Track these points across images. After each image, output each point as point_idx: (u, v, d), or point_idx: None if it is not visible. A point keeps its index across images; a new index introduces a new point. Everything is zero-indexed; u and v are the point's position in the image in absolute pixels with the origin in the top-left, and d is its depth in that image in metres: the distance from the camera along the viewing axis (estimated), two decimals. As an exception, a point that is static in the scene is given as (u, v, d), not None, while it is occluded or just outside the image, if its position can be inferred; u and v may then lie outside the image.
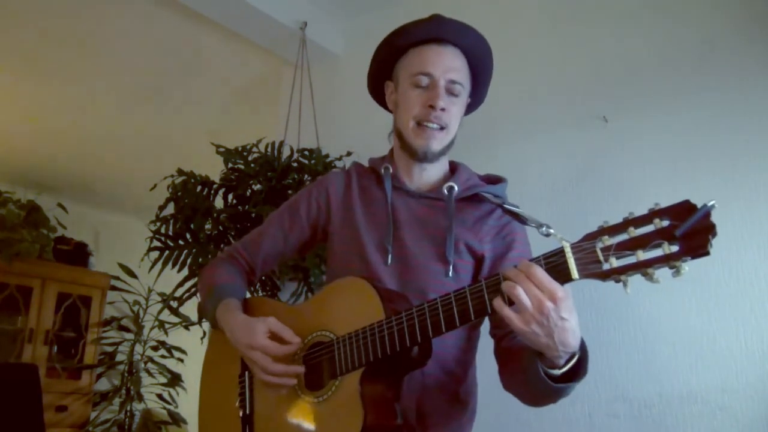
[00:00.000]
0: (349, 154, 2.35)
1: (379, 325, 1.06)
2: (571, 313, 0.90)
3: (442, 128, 1.23)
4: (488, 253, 1.21)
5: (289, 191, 2.18)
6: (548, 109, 2.12)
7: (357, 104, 2.81)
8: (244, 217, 2.19)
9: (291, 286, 2.20)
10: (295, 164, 2.27)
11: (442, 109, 1.22)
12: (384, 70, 1.33)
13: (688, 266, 0.77)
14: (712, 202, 0.79)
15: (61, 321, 4.67)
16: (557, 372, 0.95)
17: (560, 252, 0.89)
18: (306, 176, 2.23)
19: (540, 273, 0.89)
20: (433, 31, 1.27)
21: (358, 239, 1.25)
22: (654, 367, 1.71)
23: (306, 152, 2.33)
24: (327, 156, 2.35)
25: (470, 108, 1.35)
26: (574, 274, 0.87)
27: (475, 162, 2.21)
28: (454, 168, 1.32)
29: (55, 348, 4.64)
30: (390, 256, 1.21)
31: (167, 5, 2.72)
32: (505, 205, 1.20)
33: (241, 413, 1.23)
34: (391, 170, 1.29)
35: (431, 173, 1.29)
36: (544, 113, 2.12)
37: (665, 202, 0.80)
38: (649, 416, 1.69)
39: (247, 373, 1.25)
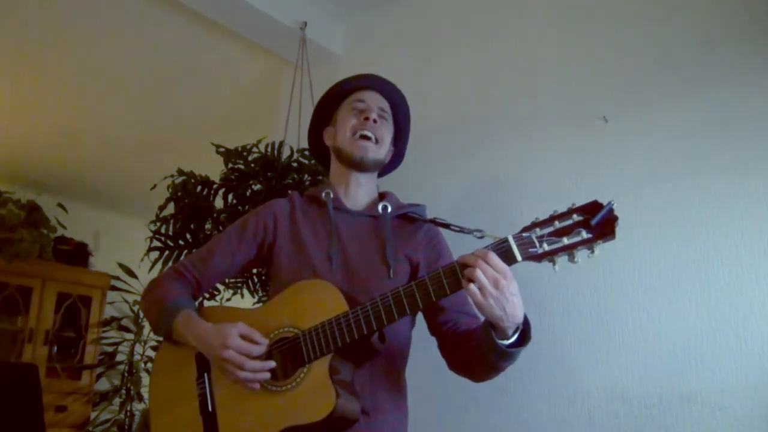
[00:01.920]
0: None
1: (345, 315, 1.22)
2: (517, 290, 1.13)
3: (376, 141, 1.47)
4: (422, 260, 1.43)
5: (289, 191, 2.17)
6: (548, 109, 2.12)
7: (357, 104, 2.81)
8: (244, 217, 2.18)
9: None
10: (295, 164, 2.27)
11: (375, 121, 1.47)
12: (325, 116, 1.59)
13: (599, 249, 1.06)
14: (613, 201, 1.05)
15: (61, 321, 4.67)
16: (506, 342, 1.17)
17: (505, 241, 1.13)
18: (306, 176, 2.23)
19: (494, 257, 1.11)
20: (366, 81, 1.56)
21: (305, 252, 1.41)
22: (654, 367, 1.71)
23: (306, 152, 2.32)
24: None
25: (392, 163, 1.62)
26: (518, 256, 1.12)
27: (476, 162, 2.23)
28: (383, 195, 1.54)
29: (55, 348, 4.64)
30: (333, 264, 1.38)
31: (167, 5, 2.72)
32: (437, 219, 1.47)
33: (201, 413, 1.31)
34: (331, 195, 1.48)
35: (366, 191, 1.51)
36: (544, 113, 2.12)
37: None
38: (649, 416, 1.69)
39: (206, 374, 1.35)
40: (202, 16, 2.64)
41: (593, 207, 1.06)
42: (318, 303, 1.27)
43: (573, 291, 1.89)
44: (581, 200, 1.10)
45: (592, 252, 1.06)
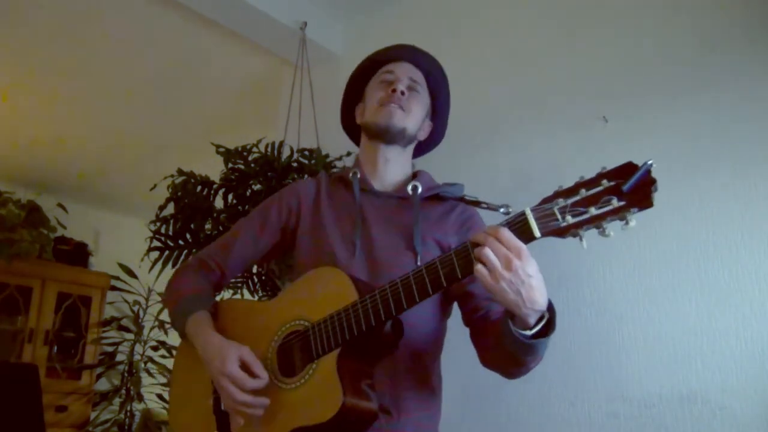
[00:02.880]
0: (349, 154, 2.34)
1: (353, 304, 1.11)
2: (536, 272, 0.99)
3: (403, 110, 1.35)
4: (454, 244, 1.26)
5: (285, 188, 2.17)
6: (548, 109, 2.12)
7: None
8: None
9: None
10: (295, 164, 2.27)
11: (402, 93, 1.36)
12: (356, 93, 1.48)
13: (635, 220, 0.89)
14: (650, 161, 0.89)
15: (61, 321, 4.67)
16: (529, 332, 1.03)
17: (521, 215, 0.98)
18: (306, 176, 2.23)
19: (506, 233, 0.98)
20: (396, 52, 1.45)
21: (326, 238, 1.32)
22: (654, 367, 1.71)
23: (306, 152, 2.33)
24: (327, 156, 2.35)
25: (431, 141, 1.50)
26: (536, 232, 0.96)
27: (476, 162, 2.22)
28: (415, 174, 1.43)
29: (55, 348, 4.64)
30: (357, 250, 1.28)
31: (167, 5, 2.72)
32: (466, 197, 1.34)
33: (214, 412, 1.26)
34: (359, 175, 1.38)
35: (396, 168, 1.39)
36: (544, 113, 2.12)
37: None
38: (649, 416, 1.69)
39: None
40: (202, 16, 2.64)
41: (626, 169, 0.91)
42: (328, 293, 1.17)
43: (573, 291, 1.89)
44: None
45: (626, 223, 0.89)
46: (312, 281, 1.22)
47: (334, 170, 1.48)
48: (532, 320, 1.02)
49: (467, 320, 1.30)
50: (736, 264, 1.66)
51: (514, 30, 2.29)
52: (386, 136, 1.36)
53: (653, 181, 0.88)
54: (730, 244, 1.67)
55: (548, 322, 1.04)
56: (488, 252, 0.97)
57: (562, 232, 0.94)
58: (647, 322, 1.75)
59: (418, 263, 1.22)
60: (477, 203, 1.31)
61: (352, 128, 1.52)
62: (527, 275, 0.97)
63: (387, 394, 1.19)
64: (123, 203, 5.24)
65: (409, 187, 1.34)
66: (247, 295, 2.30)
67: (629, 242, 1.81)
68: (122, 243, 5.03)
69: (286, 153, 2.34)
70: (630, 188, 0.89)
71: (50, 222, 4.60)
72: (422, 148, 1.50)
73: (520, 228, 0.98)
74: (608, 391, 1.77)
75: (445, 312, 1.34)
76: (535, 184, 2.05)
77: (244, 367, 1.17)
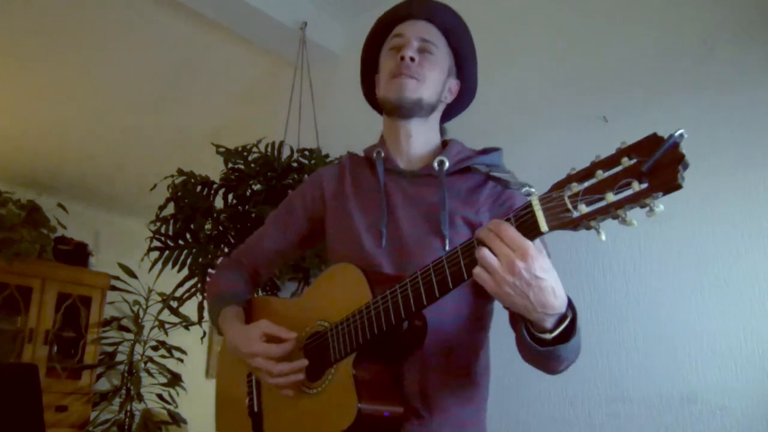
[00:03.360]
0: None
1: (366, 306, 1.05)
2: (546, 272, 0.87)
3: (415, 79, 1.21)
4: (486, 224, 1.18)
5: (289, 191, 2.18)
6: (548, 109, 2.12)
7: (357, 104, 2.81)
8: (244, 217, 2.19)
9: (291, 286, 2.20)
10: (295, 164, 2.27)
11: (411, 59, 1.21)
12: (372, 63, 1.35)
13: (662, 204, 0.73)
14: (680, 131, 0.73)
15: (61, 321, 4.67)
16: (548, 336, 0.92)
17: (528, 206, 0.85)
18: (306, 176, 2.23)
19: (509, 230, 0.86)
20: (405, 9, 1.30)
21: (352, 227, 1.23)
22: (654, 367, 1.71)
23: (306, 152, 2.33)
24: (327, 156, 2.35)
25: (466, 96, 1.35)
26: (543, 226, 0.83)
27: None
28: (445, 144, 1.30)
29: (55, 348, 4.64)
30: (384, 239, 1.18)
31: (167, 5, 2.72)
32: (492, 173, 1.18)
33: (249, 414, 1.25)
34: (382, 153, 1.27)
35: (420, 142, 1.26)
36: (544, 113, 2.12)
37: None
38: (649, 416, 1.69)
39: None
40: (203, 16, 2.64)
41: (650, 143, 0.75)
42: (344, 292, 1.11)
43: (573, 291, 1.88)
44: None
45: (651, 210, 0.74)
46: (330, 279, 1.17)
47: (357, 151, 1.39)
48: (548, 324, 0.91)
49: (509, 316, 1.16)
50: (736, 264, 1.66)
51: (514, 30, 2.29)
52: (401, 110, 1.23)
53: (681, 158, 0.71)
54: (730, 244, 1.67)
55: (570, 324, 0.92)
56: (486, 254, 0.87)
57: (574, 225, 0.80)
58: (647, 322, 1.75)
59: (447, 248, 1.12)
60: (500, 181, 1.17)
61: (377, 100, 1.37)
62: (534, 277, 0.86)
63: (417, 394, 1.10)
64: (123, 203, 5.24)
65: (435, 162, 1.21)
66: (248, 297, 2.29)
67: (629, 242, 1.82)
68: (122, 243, 5.03)
69: (286, 153, 2.34)
70: (651, 167, 0.73)
71: (50, 222, 4.60)
72: (453, 110, 1.36)
73: (525, 221, 0.85)
74: (608, 391, 1.77)
75: (483, 291, 1.09)
76: (534, 185, 2.04)
77: (270, 339, 1.14)
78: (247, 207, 2.19)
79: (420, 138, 1.27)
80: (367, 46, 1.36)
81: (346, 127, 2.69)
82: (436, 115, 1.30)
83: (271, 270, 1.45)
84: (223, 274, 1.40)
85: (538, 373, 1.91)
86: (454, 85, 1.31)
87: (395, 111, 1.24)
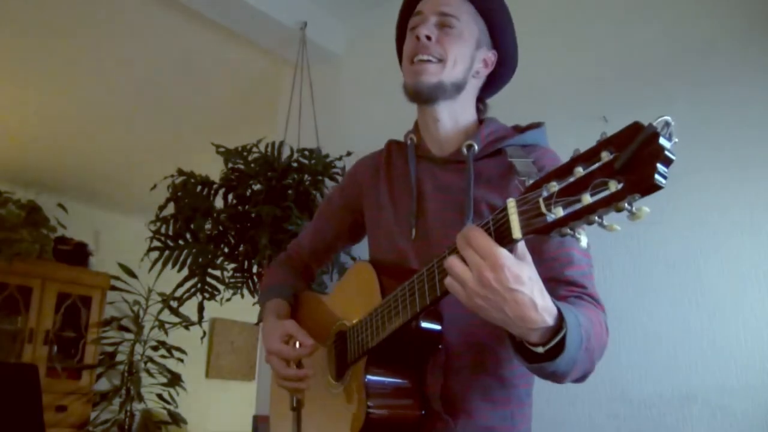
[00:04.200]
0: (349, 154, 2.35)
1: (375, 310, 1.02)
2: (523, 283, 0.77)
3: (436, 60, 1.12)
4: None
5: (289, 191, 2.18)
6: (548, 109, 2.11)
7: (357, 104, 2.81)
8: (244, 217, 2.19)
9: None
10: (295, 164, 2.27)
11: (428, 38, 1.12)
12: (402, 45, 1.25)
13: (646, 207, 0.61)
14: (662, 118, 0.61)
15: (61, 321, 4.67)
16: (540, 350, 0.83)
17: (503, 209, 0.75)
18: (306, 176, 2.23)
19: (479, 238, 0.76)
20: None
21: (385, 219, 1.20)
22: (654, 367, 1.71)
23: (306, 152, 2.33)
24: (327, 156, 2.36)
25: (506, 66, 1.25)
26: (516, 232, 0.73)
27: (475, 162, 2.22)
28: (481, 125, 1.19)
29: (55, 348, 4.64)
30: (414, 231, 1.12)
31: (167, 5, 2.72)
32: (512, 158, 1.03)
33: (291, 408, 1.25)
34: (414, 140, 1.21)
35: (448, 127, 1.17)
36: (544, 113, 2.12)
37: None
38: (649, 416, 1.69)
39: None
40: (202, 16, 2.64)
41: (630, 134, 0.63)
42: (360, 292, 1.08)
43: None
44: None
45: (632, 214, 0.62)
46: (351, 277, 1.15)
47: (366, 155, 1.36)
48: (533, 338, 0.82)
49: None
50: (736, 264, 1.66)
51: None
52: (421, 96, 1.14)
53: (659, 152, 0.60)
54: (730, 244, 1.67)
55: (562, 339, 0.82)
56: (454, 263, 0.78)
57: (547, 230, 0.70)
58: (647, 322, 1.75)
59: None
60: (515, 170, 1.01)
61: None
62: (508, 289, 0.76)
63: (438, 396, 1.03)
64: (123, 203, 5.24)
65: (464, 146, 1.13)
66: (247, 295, 2.30)
67: (629, 242, 1.81)
68: (122, 243, 5.03)
69: (286, 153, 2.34)
70: (624, 164, 0.62)
71: (50, 222, 4.61)
72: (495, 82, 1.26)
73: (500, 228, 0.76)
74: (608, 391, 1.77)
75: None
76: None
77: (290, 340, 1.14)
78: (247, 207, 2.19)
79: (449, 121, 1.17)
80: (398, 28, 1.28)
81: (346, 127, 2.69)
82: (469, 93, 1.19)
83: (321, 262, 1.44)
84: (273, 268, 1.42)
85: (538, 373, 1.90)
86: (489, 56, 1.21)
87: (416, 97, 1.16)
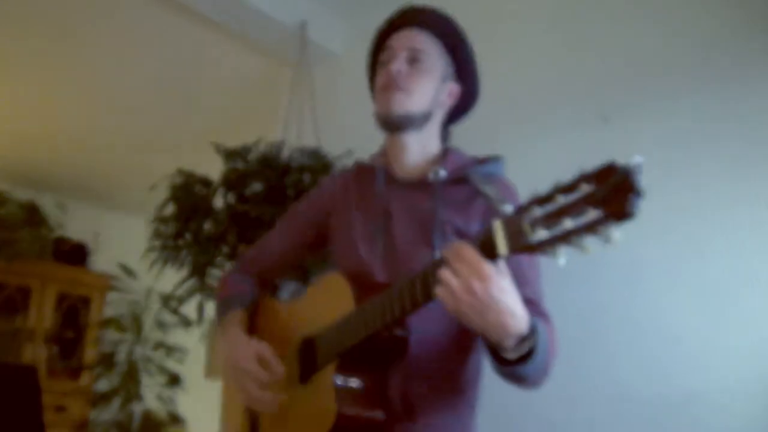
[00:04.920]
0: (349, 153, 2.35)
1: (348, 317, 1.08)
2: (504, 294, 0.88)
3: (406, 93, 1.21)
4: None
5: (289, 191, 2.18)
6: (548, 109, 2.12)
7: (357, 104, 2.80)
8: (244, 217, 2.19)
9: (290, 286, 2.21)
10: (294, 164, 2.27)
11: (398, 71, 1.21)
12: (374, 77, 1.35)
13: (618, 232, 0.72)
14: (636, 160, 0.71)
15: (61, 321, 4.67)
16: (512, 355, 0.94)
17: (491, 228, 0.86)
18: (306, 176, 2.23)
19: (468, 252, 0.87)
20: (397, 19, 1.31)
21: (351, 234, 1.27)
22: (654, 367, 1.71)
23: (306, 152, 2.33)
24: (327, 156, 2.35)
25: (468, 98, 1.35)
26: (502, 249, 0.84)
27: (475, 162, 2.22)
28: (446, 154, 1.29)
29: (55, 348, 4.64)
30: (380, 247, 1.21)
31: (167, 5, 2.72)
32: (481, 186, 1.12)
33: (246, 408, 1.30)
34: (383, 164, 1.30)
35: (414, 154, 1.26)
36: (544, 113, 2.12)
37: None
38: (649, 416, 1.69)
39: None
40: (203, 16, 2.64)
41: (605, 172, 0.73)
42: (331, 301, 1.15)
43: (573, 291, 1.88)
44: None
45: (608, 239, 0.73)
46: (321, 287, 1.22)
47: (363, 159, 1.40)
48: (508, 344, 0.93)
49: None
50: (736, 264, 1.66)
51: (515, 30, 2.29)
52: (392, 126, 1.23)
53: (631, 187, 0.70)
54: (730, 244, 1.67)
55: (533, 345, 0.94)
56: (447, 274, 0.88)
57: (532, 249, 0.80)
58: (647, 322, 1.75)
59: (436, 257, 1.14)
60: (486, 196, 1.12)
61: None
62: (491, 299, 0.87)
63: (399, 399, 1.12)
64: (123, 203, 5.24)
65: (431, 172, 1.22)
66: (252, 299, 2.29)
67: (629, 242, 1.81)
68: (122, 243, 5.03)
69: (286, 153, 2.34)
70: (604, 195, 0.72)
71: (50, 222, 4.60)
72: (459, 111, 1.36)
73: (486, 243, 0.86)
74: (608, 391, 1.77)
75: None
76: (534, 185, 2.04)
77: (261, 362, 1.18)
78: (246, 207, 2.19)
79: (415, 149, 1.27)
80: (369, 63, 1.38)
81: (346, 127, 2.69)
82: (434, 123, 1.29)
83: (278, 273, 1.49)
84: (231, 277, 1.44)
85: (538, 373, 1.90)
86: (454, 88, 1.30)
87: (386, 126, 1.25)
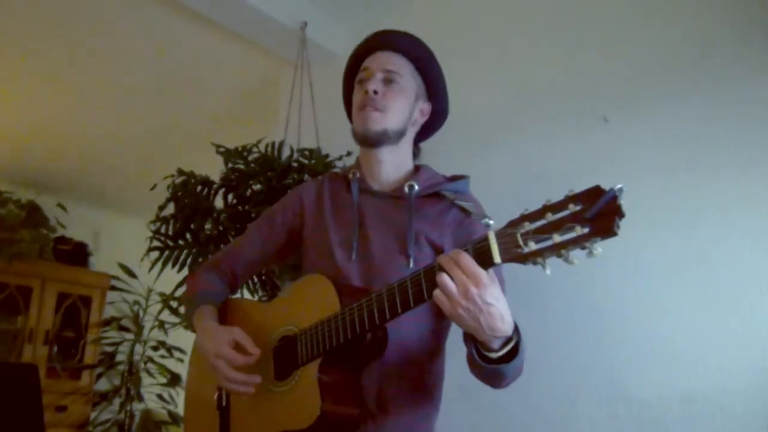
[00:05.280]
0: (349, 154, 2.34)
1: (335, 316, 1.14)
2: (496, 299, 0.98)
3: (382, 111, 1.31)
4: (449, 244, 1.27)
5: (289, 191, 2.18)
6: (548, 109, 2.12)
7: (357, 104, 2.81)
8: (244, 217, 2.19)
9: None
10: (295, 164, 2.27)
11: (375, 92, 1.31)
12: (351, 97, 1.44)
13: (600, 247, 0.83)
14: (619, 186, 0.81)
15: (61, 321, 4.67)
16: (494, 355, 1.04)
17: (484, 239, 0.95)
18: (306, 176, 2.23)
19: (466, 259, 0.96)
20: (371, 43, 1.42)
21: (326, 240, 1.33)
22: (654, 367, 1.71)
23: (306, 152, 2.33)
24: (327, 156, 2.35)
25: (438, 115, 1.44)
26: (497, 258, 0.93)
27: (475, 162, 2.22)
28: (417, 169, 1.40)
29: (55, 348, 4.64)
30: (354, 253, 1.28)
31: (167, 5, 2.72)
32: (457, 201, 1.28)
33: (218, 407, 1.33)
34: (358, 175, 1.38)
35: (389, 168, 1.36)
36: (544, 113, 2.12)
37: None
38: (649, 416, 1.69)
39: None
40: (203, 17, 2.64)
41: (593, 194, 0.84)
42: (314, 301, 1.21)
43: (573, 291, 1.89)
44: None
45: (590, 252, 0.84)
46: (303, 288, 1.27)
47: (336, 169, 1.46)
48: (495, 345, 1.03)
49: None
50: (736, 264, 1.66)
51: (515, 30, 2.29)
52: (368, 141, 1.33)
53: (618, 209, 0.80)
54: (730, 244, 1.67)
55: (515, 347, 1.05)
56: (445, 279, 0.97)
57: (522, 259, 0.91)
58: (647, 322, 1.75)
59: (411, 265, 1.24)
60: (463, 210, 1.28)
61: None
62: (485, 303, 0.96)
63: (373, 397, 1.21)
64: (123, 203, 5.24)
65: (406, 186, 1.32)
66: (246, 295, 2.30)
67: (629, 242, 1.81)
68: (122, 243, 5.03)
69: (286, 153, 2.34)
70: (593, 215, 0.82)
71: (50, 222, 4.60)
72: (429, 128, 1.45)
73: (481, 253, 0.95)
74: (608, 391, 1.77)
75: (440, 309, 1.29)
76: (535, 184, 2.05)
77: (237, 347, 1.22)
78: (247, 207, 2.19)
79: (391, 163, 1.36)
80: (344, 82, 1.48)
81: (346, 127, 2.68)
82: (407, 139, 1.38)
83: (247, 276, 1.53)
84: (201, 275, 1.47)
85: (539, 373, 1.91)
86: (425, 107, 1.40)
87: (363, 142, 1.35)
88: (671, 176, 1.80)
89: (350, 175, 1.39)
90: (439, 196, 1.31)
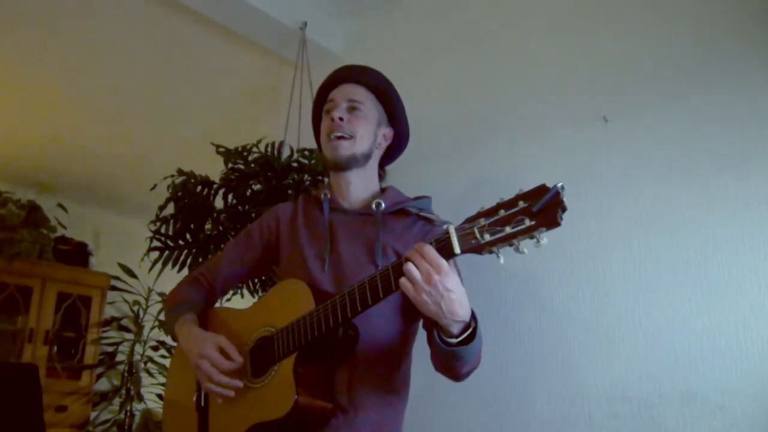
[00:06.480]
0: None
1: (309, 314, 1.25)
2: (456, 286, 1.10)
3: (348, 137, 1.45)
4: None
5: (289, 191, 2.18)
6: (548, 109, 2.12)
7: (357, 104, 2.81)
8: (244, 217, 2.19)
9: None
10: (295, 164, 2.27)
11: (341, 119, 1.45)
12: (318, 123, 1.59)
13: (546, 237, 0.97)
14: (560, 184, 0.95)
15: (61, 321, 4.66)
16: (454, 340, 1.15)
17: (446, 233, 1.07)
18: (306, 176, 2.23)
19: (429, 250, 1.08)
20: (337, 76, 1.55)
21: (301, 254, 1.45)
22: (654, 367, 1.71)
23: (306, 152, 2.33)
24: (327, 156, 2.35)
25: (400, 140, 1.58)
26: (456, 248, 1.05)
27: (475, 162, 2.23)
28: (384, 190, 1.53)
29: (55, 348, 4.64)
30: (327, 264, 1.40)
31: (167, 5, 2.72)
32: (422, 213, 1.43)
33: (197, 408, 1.42)
34: (329, 195, 1.50)
35: (358, 188, 1.49)
36: (544, 113, 2.12)
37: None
38: (649, 416, 1.69)
39: None
40: (202, 16, 2.64)
41: (539, 192, 0.98)
42: (291, 302, 1.31)
43: (573, 291, 1.89)
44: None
45: (537, 242, 0.97)
46: (279, 292, 1.38)
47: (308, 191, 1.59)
48: (455, 330, 1.14)
49: (423, 326, 1.37)
50: (736, 264, 1.66)
51: (515, 30, 2.29)
52: (338, 166, 1.46)
53: (560, 203, 0.94)
54: (730, 244, 1.67)
55: (472, 332, 1.15)
56: (410, 267, 1.08)
57: (479, 249, 1.02)
58: (647, 322, 1.75)
59: None
60: (429, 220, 1.42)
61: None
62: (446, 289, 1.08)
63: (345, 393, 1.30)
64: (123, 203, 5.24)
65: (374, 204, 1.44)
66: (247, 295, 2.30)
67: (629, 242, 1.81)
68: (122, 243, 5.03)
69: (286, 153, 2.34)
70: (539, 209, 0.95)
71: (50, 222, 4.60)
72: (394, 151, 1.59)
73: (443, 245, 1.07)
74: (608, 391, 1.77)
75: (408, 314, 1.40)
76: (535, 181, 2.04)
77: (221, 351, 1.32)
78: (247, 207, 2.19)
79: (359, 184, 1.50)
80: (313, 112, 1.63)
81: (346, 127, 2.69)
82: (373, 162, 1.52)
83: (226, 290, 1.65)
84: (182, 287, 1.59)
85: (539, 373, 1.91)
86: (387, 132, 1.54)
87: (334, 167, 1.48)
88: (671, 175, 1.80)
89: (321, 196, 1.50)
90: (404, 213, 1.45)
